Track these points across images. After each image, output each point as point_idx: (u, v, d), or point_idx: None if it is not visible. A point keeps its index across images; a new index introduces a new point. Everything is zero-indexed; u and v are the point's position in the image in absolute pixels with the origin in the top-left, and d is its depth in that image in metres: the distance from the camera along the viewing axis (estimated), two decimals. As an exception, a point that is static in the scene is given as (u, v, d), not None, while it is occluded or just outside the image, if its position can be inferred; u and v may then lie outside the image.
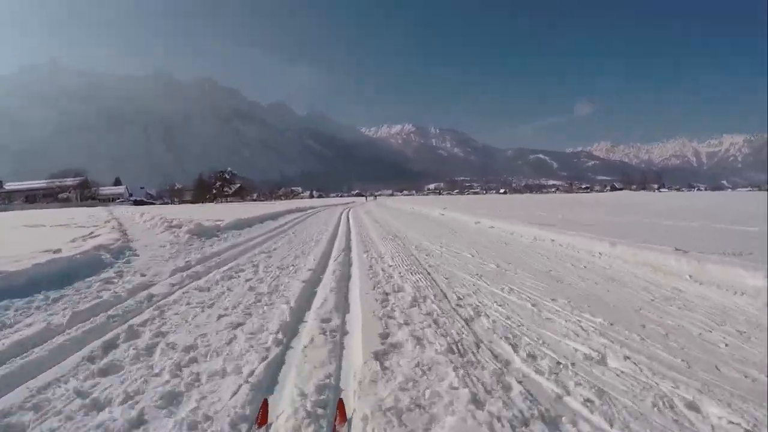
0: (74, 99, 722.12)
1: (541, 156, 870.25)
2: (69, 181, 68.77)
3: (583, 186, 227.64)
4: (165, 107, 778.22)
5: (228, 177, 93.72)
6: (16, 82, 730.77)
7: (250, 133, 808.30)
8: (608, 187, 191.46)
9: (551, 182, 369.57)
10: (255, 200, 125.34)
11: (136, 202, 63.78)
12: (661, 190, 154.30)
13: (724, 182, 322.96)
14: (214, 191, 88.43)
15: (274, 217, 19.64)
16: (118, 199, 71.17)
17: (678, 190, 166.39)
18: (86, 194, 63.00)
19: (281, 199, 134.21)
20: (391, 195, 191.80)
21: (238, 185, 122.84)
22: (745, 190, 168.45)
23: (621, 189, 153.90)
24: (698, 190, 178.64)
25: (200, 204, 63.00)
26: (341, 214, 24.57)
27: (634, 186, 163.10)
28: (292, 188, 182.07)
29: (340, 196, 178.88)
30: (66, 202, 60.24)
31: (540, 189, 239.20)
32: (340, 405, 2.45)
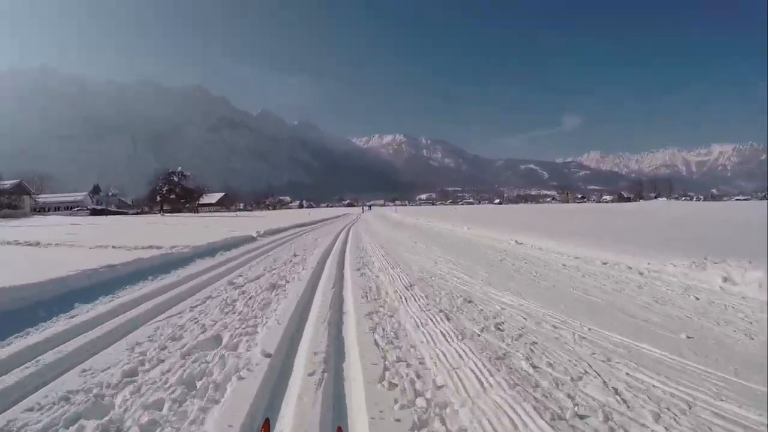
0: (62, 104, 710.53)
1: (531, 166, 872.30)
2: None
3: (579, 196, 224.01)
4: (154, 114, 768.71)
5: (177, 179, 70.93)
6: (3, 84, 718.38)
7: (240, 142, 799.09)
8: (610, 197, 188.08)
9: (544, 192, 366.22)
10: (242, 210, 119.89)
11: (95, 212, 56.80)
12: (658, 198, 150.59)
13: (714, 191, 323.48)
14: (159, 198, 69.38)
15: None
16: (76, 207, 64.34)
17: (677, 198, 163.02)
18: (2, 202, 50.20)
19: (269, 209, 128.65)
20: (386, 205, 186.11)
21: (223, 194, 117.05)
22: (743, 199, 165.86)
23: (629, 199, 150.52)
24: (698, 199, 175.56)
25: (147, 216, 51.89)
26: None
27: (632, 195, 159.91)
28: (280, 198, 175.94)
29: (330, 207, 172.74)
30: None
31: (535, 199, 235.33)
32: None
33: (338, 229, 22.10)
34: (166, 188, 68.22)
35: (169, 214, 57.99)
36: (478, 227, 17.58)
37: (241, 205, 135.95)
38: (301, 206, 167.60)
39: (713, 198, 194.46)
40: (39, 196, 63.53)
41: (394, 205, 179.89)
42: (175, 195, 68.85)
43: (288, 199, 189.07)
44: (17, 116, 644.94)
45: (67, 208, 65.37)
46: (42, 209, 61.05)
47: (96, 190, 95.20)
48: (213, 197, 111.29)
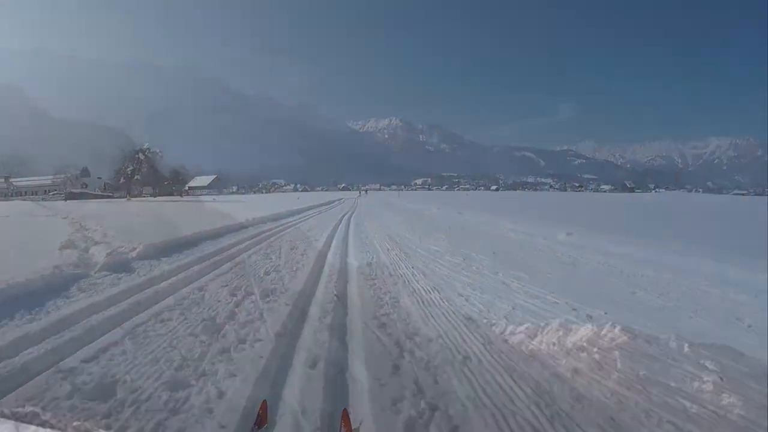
0: (54, 85, 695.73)
1: (527, 153, 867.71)
2: None
3: (576, 185, 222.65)
4: (147, 95, 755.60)
5: (143, 158, 60.04)
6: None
7: (235, 124, 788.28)
8: (608, 186, 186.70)
9: (540, 180, 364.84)
10: (234, 192, 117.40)
11: (71, 196, 54.64)
12: (657, 190, 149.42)
13: (710, 184, 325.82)
14: (123, 180, 59.86)
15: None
16: (53, 191, 61.84)
17: (674, 190, 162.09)
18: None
19: (261, 193, 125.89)
20: (381, 189, 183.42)
21: (214, 176, 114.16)
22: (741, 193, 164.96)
23: (632, 189, 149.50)
24: (696, 191, 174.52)
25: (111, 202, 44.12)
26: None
27: (634, 185, 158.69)
28: (274, 181, 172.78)
29: (325, 191, 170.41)
30: None
31: (532, 187, 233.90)
32: (345, 415, 2.30)
33: (328, 233, 12.69)
34: (130, 168, 59.13)
35: (151, 198, 55.02)
36: (586, 232, 10.01)
37: (234, 188, 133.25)
38: (295, 189, 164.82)
39: (710, 191, 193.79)
40: (15, 179, 60.87)
41: (392, 189, 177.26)
42: (140, 175, 60.20)
43: (282, 181, 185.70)
44: (13, 100, 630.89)
45: (45, 192, 62.68)
46: (18, 194, 58.61)
47: (84, 173, 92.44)
48: (206, 180, 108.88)
